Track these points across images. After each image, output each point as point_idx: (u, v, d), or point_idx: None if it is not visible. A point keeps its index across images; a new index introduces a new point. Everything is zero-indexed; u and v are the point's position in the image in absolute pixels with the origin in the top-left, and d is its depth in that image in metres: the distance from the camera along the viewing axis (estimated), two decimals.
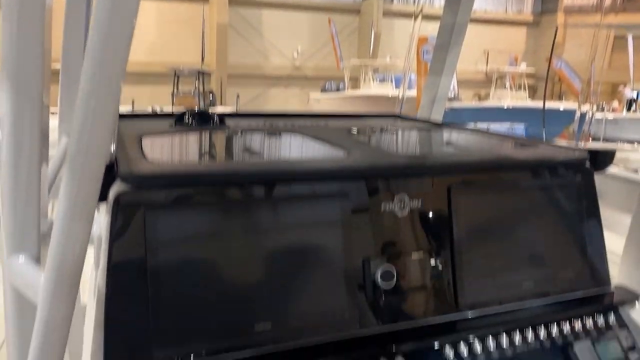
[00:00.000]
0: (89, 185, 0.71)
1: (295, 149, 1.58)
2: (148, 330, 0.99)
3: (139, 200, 1.00)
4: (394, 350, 1.15)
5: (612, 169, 1.48)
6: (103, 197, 1.01)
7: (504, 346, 1.24)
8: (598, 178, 1.45)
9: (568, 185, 1.39)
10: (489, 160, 1.41)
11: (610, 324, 1.35)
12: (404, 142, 1.71)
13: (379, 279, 1.17)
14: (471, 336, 1.22)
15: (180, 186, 1.04)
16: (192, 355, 1.02)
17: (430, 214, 1.25)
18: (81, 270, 0.75)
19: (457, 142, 1.68)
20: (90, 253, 1.02)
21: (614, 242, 1.48)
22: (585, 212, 1.41)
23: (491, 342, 1.23)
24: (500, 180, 1.34)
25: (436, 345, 1.19)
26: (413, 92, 10.03)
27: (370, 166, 1.26)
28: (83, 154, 0.67)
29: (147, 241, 0.99)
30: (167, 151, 1.49)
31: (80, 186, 0.69)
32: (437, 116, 2.21)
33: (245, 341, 1.06)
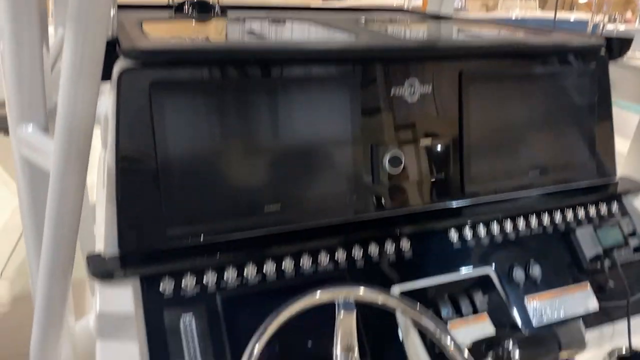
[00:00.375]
0: (93, 48, 0.68)
1: (302, 33, 1.53)
2: (160, 209, 1.00)
3: (143, 76, 0.98)
4: (399, 233, 1.17)
5: (626, 60, 1.44)
6: (107, 76, 0.98)
7: (507, 231, 1.26)
8: (612, 68, 1.41)
9: (581, 73, 1.36)
10: (502, 45, 1.36)
11: (613, 211, 1.37)
12: (415, 30, 1.65)
13: (387, 164, 1.17)
14: (476, 221, 1.24)
15: (186, 62, 1.01)
16: (202, 234, 1.04)
17: (440, 100, 1.23)
18: (90, 137, 0.74)
19: (469, 30, 1.62)
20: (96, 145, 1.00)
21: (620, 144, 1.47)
22: (597, 102, 1.39)
23: (495, 227, 1.25)
24: (512, 66, 1.30)
25: (440, 228, 1.22)
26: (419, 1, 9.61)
27: (381, 48, 1.22)
28: (84, 22, 0.64)
29: (154, 118, 0.98)
30: (169, 34, 1.44)
31: (84, 48, 0.67)
32: (447, 10, 2.12)
33: (255, 222, 1.08)
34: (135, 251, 0.99)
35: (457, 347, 0.87)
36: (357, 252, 1.13)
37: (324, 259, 1.10)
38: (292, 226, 1.11)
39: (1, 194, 3.70)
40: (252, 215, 1.08)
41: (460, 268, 1.19)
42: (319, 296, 0.87)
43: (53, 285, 0.82)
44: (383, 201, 1.19)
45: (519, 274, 1.21)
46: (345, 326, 0.86)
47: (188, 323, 0.95)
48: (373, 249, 1.14)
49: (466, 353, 0.87)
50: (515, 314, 1.16)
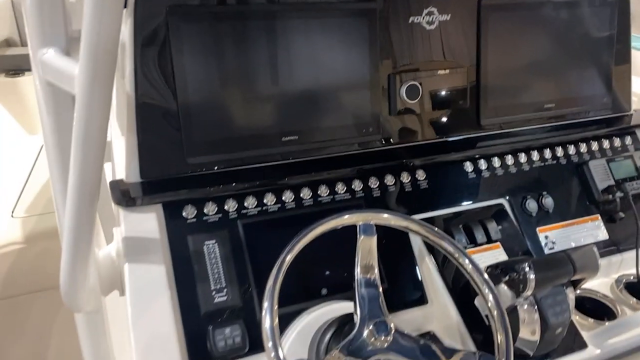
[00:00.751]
0: None
1: None
2: (179, 137, 1.01)
3: (160, 0, 0.96)
4: (414, 164, 1.18)
5: None
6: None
7: (521, 162, 1.27)
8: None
9: (602, 3, 1.33)
10: None
11: (626, 144, 1.38)
12: None
13: (404, 95, 1.16)
14: (490, 153, 1.25)
15: None
16: (222, 163, 1.05)
17: (459, 30, 1.21)
18: (115, 60, 0.74)
19: None
20: None
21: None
22: (617, 34, 1.37)
23: (509, 159, 1.26)
24: None
25: (456, 160, 1.23)
26: None
27: None
28: None
29: (172, 44, 0.97)
30: None
31: None
32: None
33: (273, 152, 1.09)
34: (156, 179, 1.00)
35: (476, 267, 0.89)
36: (374, 183, 1.14)
37: (340, 188, 1.11)
38: (309, 156, 1.12)
39: (6, 134, 3.69)
40: (271, 145, 1.08)
41: (475, 199, 1.21)
42: (347, 217, 0.89)
43: (81, 210, 0.83)
44: (399, 132, 1.20)
45: (531, 205, 1.23)
46: (366, 248, 0.89)
47: (211, 247, 0.98)
48: (389, 180, 1.15)
49: (485, 275, 0.90)
50: (528, 243, 1.19)
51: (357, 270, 0.88)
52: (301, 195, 1.08)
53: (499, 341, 0.84)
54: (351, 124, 1.14)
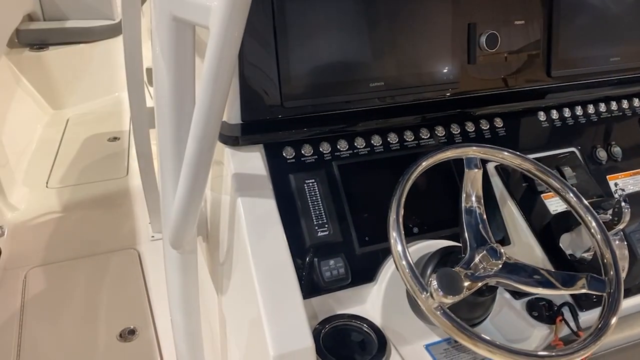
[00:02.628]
0: None
1: None
2: (277, 82, 1.03)
3: None
4: (492, 112, 1.22)
5: None
6: None
7: (590, 112, 1.31)
8: None
9: None
10: None
11: None
12: None
13: (484, 43, 1.19)
14: (562, 103, 1.29)
15: None
16: (315, 106, 1.08)
17: None
18: None
19: None
20: None
21: None
22: None
23: (579, 110, 1.30)
24: None
25: (530, 108, 1.26)
26: None
27: None
28: None
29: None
30: None
31: None
32: None
33: (361, 96, 1.12)
34: (256, 121, 1.03)
35: (580, 199, 0.93)
36: (455, 129, 1.17)
37: (424, 134, 1.14)
38: (394, 103, 1.15)
39: (32, 109, 3.70)
40: (359, 91, 1.11)
41: (549, 146, 1.24)
42: (466, 149, 0.93)
43: (203, 147, 0.84)
44: (477, 80, 1.23)
45: (601, 153, 1.27)
46: (471, 179, 0.93)
47: (311, 185, 1.01)
48: (469, 126, 1.19)
49: (588, 204, 0.93)
50: (600, 189, 1.22)
51: (463, 199, 0.92)
52: (388, 139, 1.12)
53: (606, 260, 0.88)
54: (433, 72, 1.17)
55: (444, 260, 0.94)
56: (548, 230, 1.10)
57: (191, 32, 0.87)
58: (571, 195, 0.94)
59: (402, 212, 0.87)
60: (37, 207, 2.85)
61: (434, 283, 0.78)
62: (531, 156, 1.20)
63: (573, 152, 1.26)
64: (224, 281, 1.10)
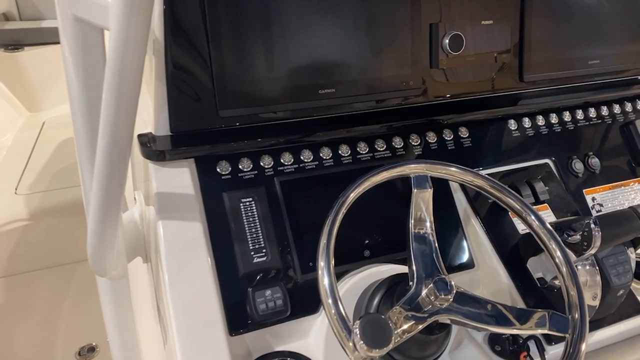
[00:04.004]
0: None
1: None
2: (212, 89, 0.93)
3: None
4: (457, 121, 1.11)
5: None
6: None
7: (566, 121, 1.20)
8: None
9: None
10: None
11: None
12: None
13: (447, 45, 1.09)
14: (534, 110, 1.18)
15: None
16: (256, 116, 0.97)
17: None
18: None
19: None
20: None
21: None
22: None
23: (554, 117, 1.20)
24: None
25: (499, 116, 1.16)
26: None
27: None
28: None
29: None
30: None
31: None
32: None
33: (309, 105, 1.01)
34: (188, 132, 0.93)
35: (543, 224, 0.83)
36: (415, 140, 1.07)
37: (380, 145, 1.04)
38: (346, 111, 1.04)
39: (6, 112, 3.59)
40: (307, 98, 1.01)
41: (520, 158, 1.14)
42: (403, 168, 0.82)
43: (113, 163, 0.75)
44: (441, 86, 1.12)
45: (578, 165, 1.16)
46: (420, 201, 0.82)
47: (248, 205, 0.91)
48: (431, 137, 1.08)
49: (553, 231, 0.83)
50: (576, 205, 1.12)
51: (411, 225, 0.81)
52: (339, 152, 1.01)
53: (571, 298, 0.78)
54: (391, 77, 1.06)
55: (391, 290, 0.84)
56: (515, 253, 1.00)
57: (99, 35, 0.77)
58: (533, 217, 0.84)
59: (333, 238, 0.77)
60: (3, 214, 2.74)
61: (357, 333, 0.67)
62: (500, 169, 1.10)
63: (546, 163, 1.16)
64: (157, 311, 1.00)
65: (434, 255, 0.79)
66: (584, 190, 1.15)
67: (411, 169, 0.84)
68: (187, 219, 0.86)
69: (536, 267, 0.98)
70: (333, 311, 0.70)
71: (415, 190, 0.82)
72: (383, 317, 0.70)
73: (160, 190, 0.87)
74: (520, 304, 0.96)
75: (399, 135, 1.06)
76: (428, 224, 0.82)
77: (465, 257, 1.01)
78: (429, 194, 0.83)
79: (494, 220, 1.03)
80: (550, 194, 1.10)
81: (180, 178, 0.89)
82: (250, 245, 0.88)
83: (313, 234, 0.93)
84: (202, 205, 0.89)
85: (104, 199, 0.77)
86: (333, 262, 0.75)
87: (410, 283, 0.78)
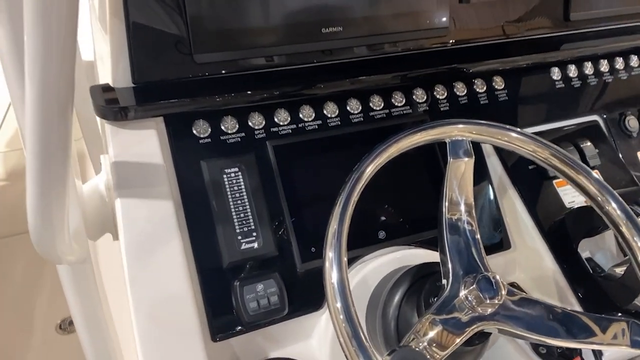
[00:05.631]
0: None
1: None
2: (184, 28, 0.72)
3: None
4: (490, 68, 0.91)
5: None
6: None
7: (618, 67, 1.00)
8: None
9: None
10: None
11: None
12: None
13: None
14: (581, 56, 0.98)
15: None
16: (242, 61, 0.77)
17: None
18: None
19: None
20: None
21: None
22: None
23: (604, 65, 1.00)
24: None
25: (540, 63, 0.95)
26: None
27: None
28: None
29: None
30: None
31: None
32: None
33: (310, 47, 0.81)
34: (155, 83, 0.72)
35: (630, 217, 0.63)
36: (440, 92, 0.87)
37: (398, 99, 0.84)
38: (357, 56, 0.84)
39: None
40: (307, 39, 0.80)
41: (564, 114, 0.94)
42: (443, 129, 0.63)
43: (48, 121, 0.56)
44: (472, 25, 0.91)
45: (632, 123, 0.97)
46: (458, 175, 0.63)
47: (234, 176, 0.72)
48: (460, 88, 0.88)
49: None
50: (630, 170, 0.93)
51: (445, 208, 0.63)
52: (348, 107, 0.81)
53: None
54: (411, 13, 0.85)
55: (417, 286, 0.66)
56: (563, 232, 0.81)
57: None
58: (614, 206, 0.64)
59: (347, 221, 0.58)
60: None
61: None
62: (540, 128, 0.91)
63: (595, 121, 0.96)
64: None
65: (473, 247, 0.61)
66: (639, 153, 0.97)
67: (460, 130, 0.64)
68: (155, 195, 0.67)
69: (592, 251, 0.80)
70: (342, 321, 0.52)
71: (452, 159, 0.63)
72: (419, 350, 0.52)
73: (119, 159, 0.68)
74: (569, 294, 0.78)
75: (421, 86, 0.86)
76: (466, 208, 0.63)
77: (499, 236, 0.83)
78: (469, 165, 0.64)
79: (537, 191, 0.84)
80: (602, 158, 0.91)
81: (146, 143, 0.70)
82: (237, 227, 0.70)
83: (316, 211, 0.75)
84: (175, 178, 0.70)
85: (43, 167, 0.58)
86: (346, 255, 0.57)
87: (444, 281, 0.60)
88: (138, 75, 0.71)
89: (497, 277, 0.58)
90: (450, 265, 0.60)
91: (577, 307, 0.77)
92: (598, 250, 0.81)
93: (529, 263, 0.83)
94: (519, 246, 0.84)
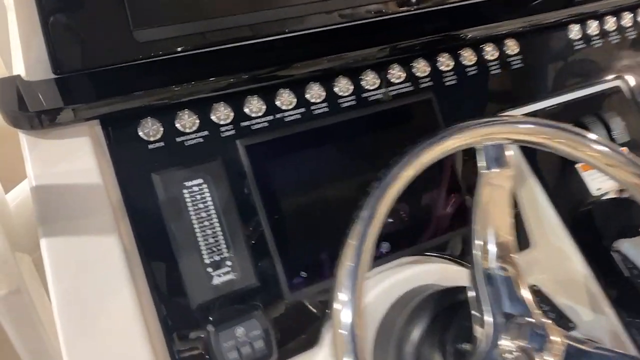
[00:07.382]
0: None
1: None
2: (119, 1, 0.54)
3: None
4: (500, 31, 0.76)
5: None
6: None
7: None
8: None
9: None
10: None
11: None
12: None
13: None
14: (602, 11, 0.84)
15: None
16: (195, 37, 0.59)
17: None
18: None
19: None
20: None
21: None
22: None
23: (628, 19, 0.85)
24: None
25: (556, 22, 0.80)
26: None
27: None
28: None
29: None
30: None
31: None
32: None
33: (281, 13, 0.63)
34: (83, 72, 0.55)
35: None
36: (445, 62, 0.71)
37: (396, 74, 0.68)
38: (341, 21, 0.67)
39: None
40: (278, 2, 0.63)
41: (584, 81, 0.81)
42: (474, 130, 0.48)
43: None
44: None
45: None
46: (493, 193, 0.49)
47: (197, 190, 0.56)
48: (468, 56, 0.73)
49: None
50: None
51: (474, 236, 0.49)
52: (335, 89, 0.65)
53: None
54: None
55: (439, 322, 0.53)
56: (594, 230, 0.69)
57: None
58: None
59: (371, 249, 0.44)
60: None
61: None
62: (560, 99, 0.77)
63: (617, 87, 0.83)
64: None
65: (514, 285, 0.47)
66: None
67: (503, 133, 0.48)
68: (94, 229, 0.51)
69: (631, 252, 0.68)
70: None
71: (483, 171, 0.49)
72: None
73: (40, 182, 0.51)
74: (602, 300, 0.67)
75: (423, 56, 0.70)
76: (508, 235, 0.49)
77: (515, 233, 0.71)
78: (509, 178, 0.49)
79: (562, 183, 0.72)
80: (631, 132, 0.78)
81: (77, 156, 0.53)
82: (206, 257, 0.55)
83: (304, 227, 0.60)
84: (120, 200, 0.53)
85: None
86: (363, 297, 0.43)
87: (476, 327, 0.47)
88: (59, 63, 0.53)
89: (548, 324, 0.45)
90: (483, 307, 0.47)
91: (609, 308, 0.66)
92: (634, 247, 0.70)
93: (552, 264, 0.71)
94: (539, 244, 0.72)
